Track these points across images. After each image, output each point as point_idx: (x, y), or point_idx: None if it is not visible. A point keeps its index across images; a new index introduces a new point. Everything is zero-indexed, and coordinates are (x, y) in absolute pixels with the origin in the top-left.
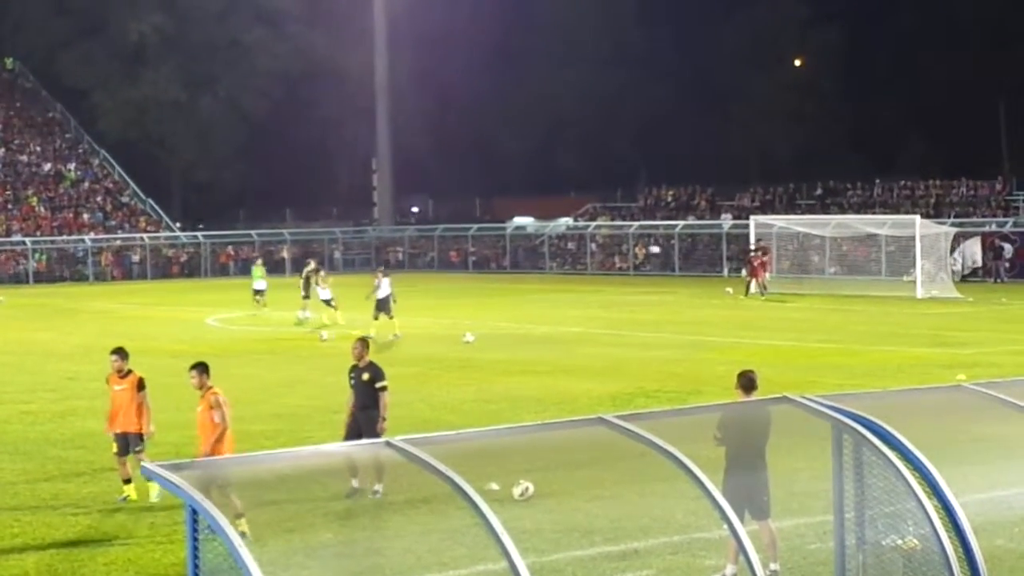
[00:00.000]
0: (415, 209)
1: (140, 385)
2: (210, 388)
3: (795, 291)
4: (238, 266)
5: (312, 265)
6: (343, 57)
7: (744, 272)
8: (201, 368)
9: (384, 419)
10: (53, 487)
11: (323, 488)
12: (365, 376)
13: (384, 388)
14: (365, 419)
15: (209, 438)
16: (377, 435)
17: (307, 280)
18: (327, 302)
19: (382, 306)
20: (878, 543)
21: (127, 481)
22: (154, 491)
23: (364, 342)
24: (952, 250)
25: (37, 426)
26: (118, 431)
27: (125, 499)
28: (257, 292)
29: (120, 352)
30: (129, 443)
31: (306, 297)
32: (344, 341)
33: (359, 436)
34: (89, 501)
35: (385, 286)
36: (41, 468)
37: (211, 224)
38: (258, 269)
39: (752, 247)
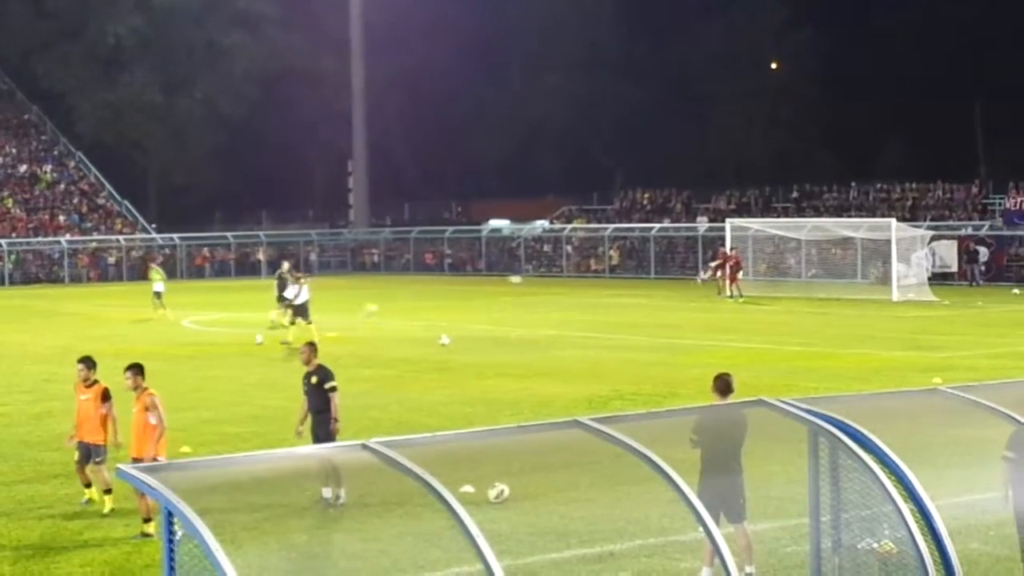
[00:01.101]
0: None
1: (105, 396)
2: (145, 389)
3: (771, 294)
4: (214, 268)
5: (286, 267)
6: (320, 59)
7: (714, 268)
8: (136, 369)
9: (336, 420)
10: (29, 489)
11: (299, 491)
12: (314, 379)
13: (333, 389)
14: (318, 422)
15: (145, 439)
16: (331, 437)
17: (282, 282)
18: (283, 300)
19: (299, 311)
20: (854, 546)
21: (87, 485)
22: (108, 505)
23: (312, 346)
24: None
25: (13, 428)
26: (80, 440)
27: (87, 502)
28: (157, 295)
29: (86, 361)
30: (90, 453)
31: (280, 299)
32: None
33: (319, 441)
34: (65, 503)
35: (304, 292)
36: (17, 470)
37: (187, 226)
38: (156, 272)
39: (727, 248)
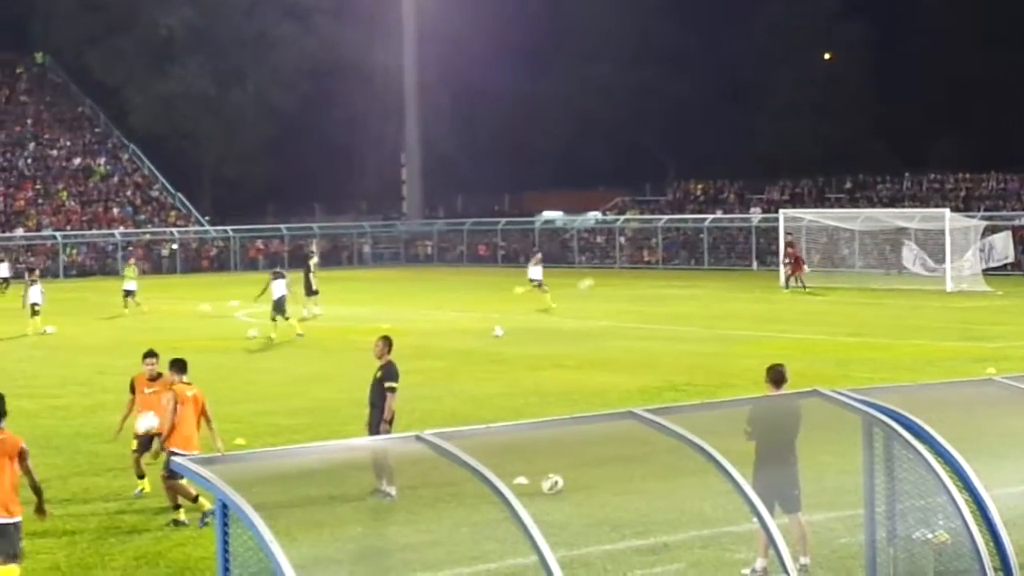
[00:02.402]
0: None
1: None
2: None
3: (824, 284)
4: (267, 260)
5: (315, 259)
6: (371, 52)
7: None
8: (171, 363)
9: (387, 421)
10: (83, 481)
11: (353, 482)
12: (379, 374)
13: (391, 389)
14: (373, 416)
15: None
16: (379, 434)
17: (307, 276)
18: (278, 302)
19: (277, 307)
20: (909, 537)
21: (141, 476)
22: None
23: (386, 340)
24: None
25: (68, 420)
26: (143, 435)
27: (141, 492)
28: (127, 293)
29: (153, 355)
30: (152, 445)
31: (308, 293)
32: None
33: (373, 434)
34: (119, 495)
35: (280, 287)
36: (71, 462)
37: (240, 218)
38: (130, 269)
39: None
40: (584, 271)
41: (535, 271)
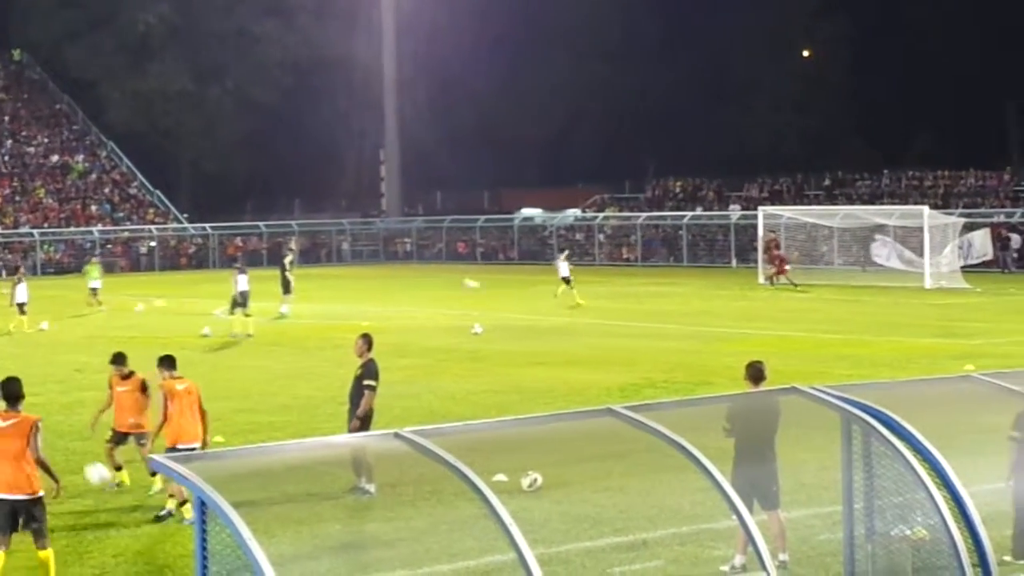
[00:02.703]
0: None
1: (143, 387)
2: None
3: (803, 281)
4: (246, 257)
5: (291, 257)
6: (351, 48)
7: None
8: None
9: (359, 417)
10: (62, 479)
11: (332, 479)
12: (359, 372)
13: (370, 387)
14: (350, 414)
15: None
16: (363, 428)
17: (284, 273)
18: (243, 295)
19: (238, 302)
20: (887, 533)
21: (118, 468)
22: (156, 486)
23: (366, 338)
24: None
25: (45, 418)
26: (119, 431)
27: (117, 484)
28: (92, 291)
29: (118, 359)
30: (128, 440)
31: (285, 291)
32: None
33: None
34: (97, 492)
35: (243, 282)
36: (49, 459)
37: (219, 216)
38: (93, 268)
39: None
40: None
41: (564, 267)
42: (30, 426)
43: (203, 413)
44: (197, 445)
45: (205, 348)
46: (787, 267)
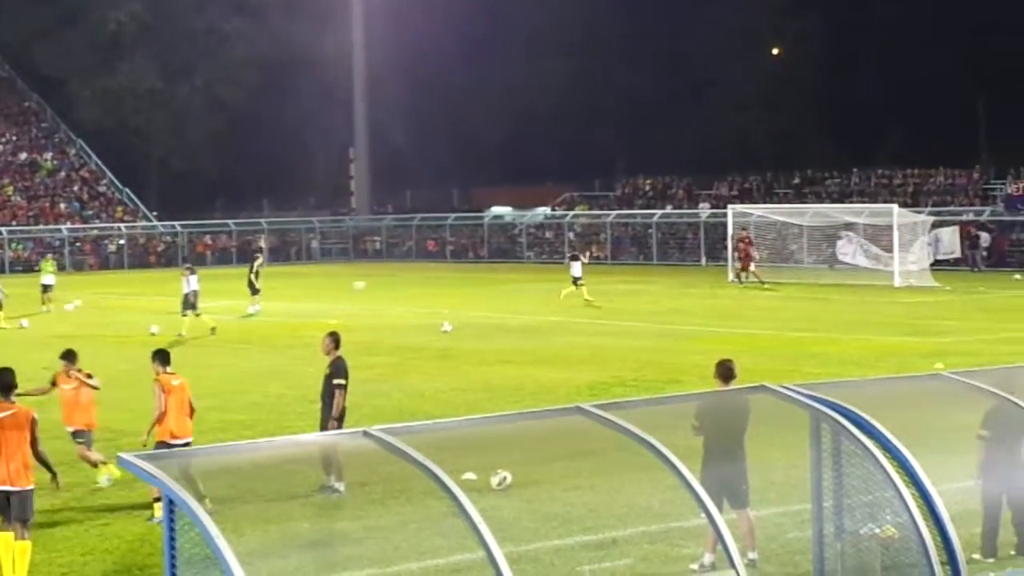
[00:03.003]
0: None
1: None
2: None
3: (773, 280)
4: (215, 256)
5: (260, 259)
6: (321, 47)
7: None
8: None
9: (335, 418)
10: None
11: (301, 478)
12: (328, 371)
13: (340, 386)
14: (324, 413)
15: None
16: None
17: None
18: (193, 295)
19: (187, 303)
20: (856, 532)
21: (95, 465)
22: (102, 475)
23: (332, 336)
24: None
25: None
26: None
27: (109, 479)
28: (45, 287)
29: (69, 355)
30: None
31: (253, 290)
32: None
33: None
34: (65, 492)
35: (192, 283)
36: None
37: (188, 213)
38: (48, 264)
39: (741, 233)
40: (532, 267)
41: (576, 268)
42: (30, 419)
43: (192, 410)
44: (190, 440)
45: (174, 345)
46: (751, 264)
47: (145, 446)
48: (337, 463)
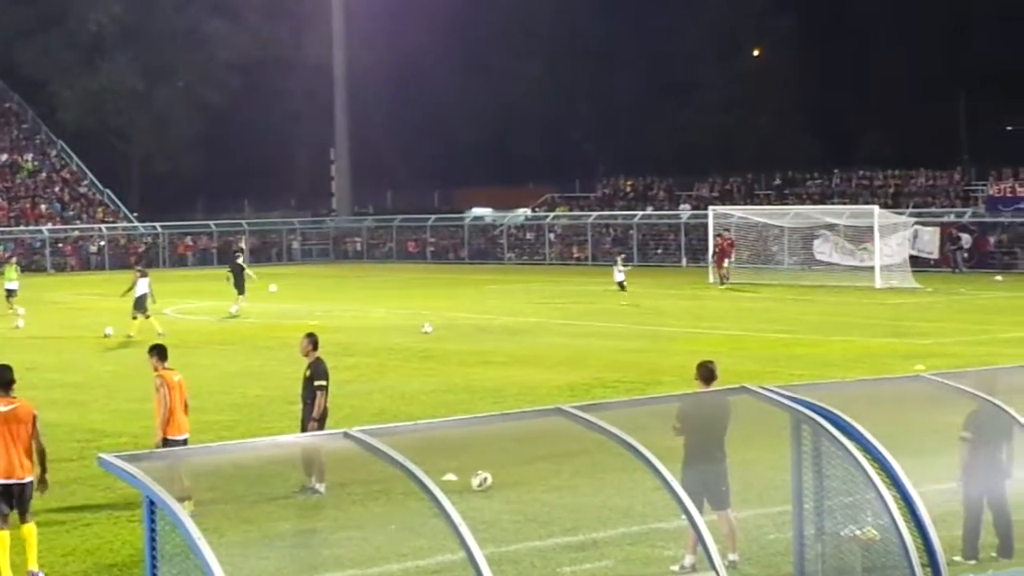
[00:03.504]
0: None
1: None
2: (156, 370)
3: (754, 281)
4: (196, 257)
5: (242, 257)
6: (301, 48)
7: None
8: (152, 351)
9: (315, 419)
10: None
11: (281, 479)
12: (308, 372)
13: (321, 388)
14: (305, 414)
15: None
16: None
17: (237, 271)
18: (139, 300)
19: (138, 305)
20: (837, 533)
21: None
22: None
23: (310, 338)
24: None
25: None
26: None
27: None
28: (9, 292)
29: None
30: None
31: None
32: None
33: (305, 431)
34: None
35: (143, 285)
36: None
37: (169, 214)
38: (11, 269)
39: (722, 232)
40: (513, 268)
41: (619, 274)
42: (32, 414)
43: (187, 406)
44: (187, 437)
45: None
46: (724, 261)
47: (158, 447)
48: (318, 464)
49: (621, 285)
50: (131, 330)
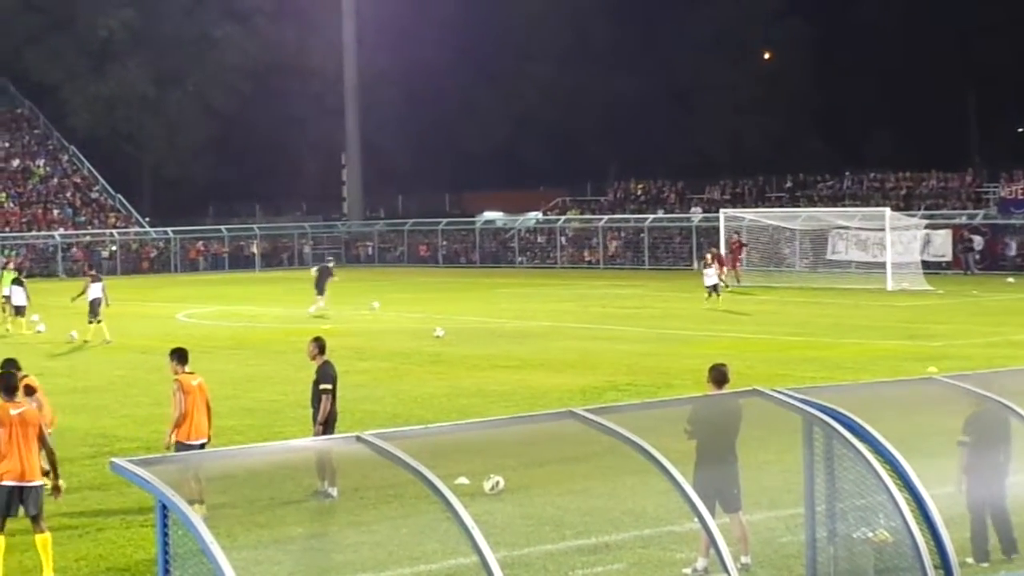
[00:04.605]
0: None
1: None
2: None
3: (765, 284)
4: (208, 261)
5: (332, 264)
6: (311, 53)
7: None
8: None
9: (320, 423)
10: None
11: (294, 483)
12: (315, 376)
13: (325, 391)
14: (313, 418)
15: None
16: (325, 432)
17: (322, 274)
18: (92, 304)
19: (92, 310)
20: (849, 536)
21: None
22: None
23: (317, 342)
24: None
25: None
26: None
27: None
28: (7, 299)
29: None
30: None
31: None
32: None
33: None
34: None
35: (96, 290)
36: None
37: (180, 219)
38: (8, 275)
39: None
40: (524, 271)
41: (710, 275)
42: (37, 419)
43: (209, 409)
44: (206, 441)
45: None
46: (737, 264)
47: (168, 448)
48: (330, 468)
49: (714, 289)
50: (87, 335)
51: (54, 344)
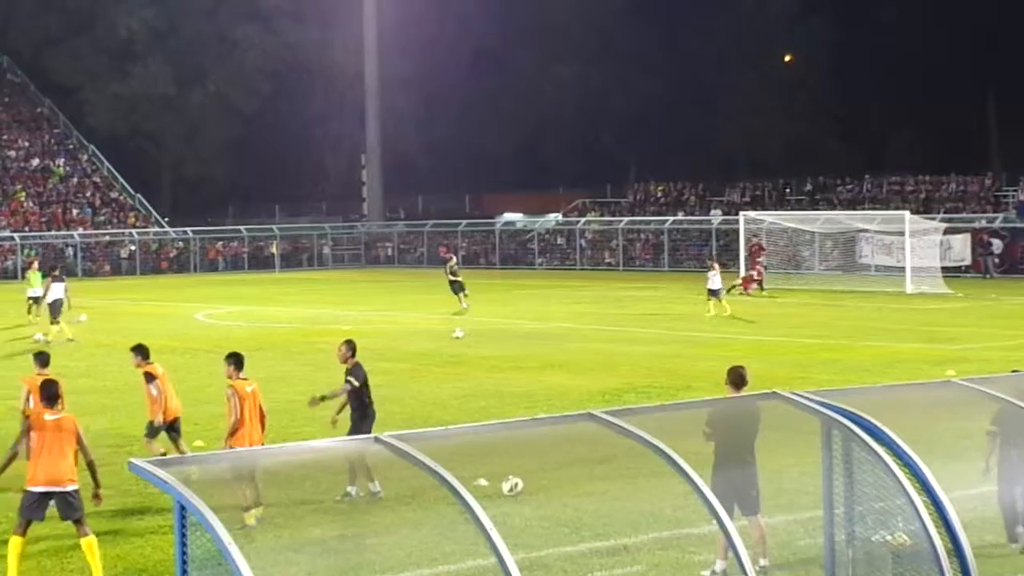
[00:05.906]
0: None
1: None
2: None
3: (785, 286)
4: (227, 262)
5: (454, 260)
6: (332, 54)
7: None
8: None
9: (319, 396)
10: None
11: (313, 484)
12: (344, 378)
13: (347, 381)
14: (352, 422)
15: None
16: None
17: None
18: (53, 304)
19: (53, 309)
20: (868, 539)
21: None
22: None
23: (349, 344)
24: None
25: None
26: None
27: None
28: (33, 299)
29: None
30: None
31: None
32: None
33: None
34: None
35: (57, 291)
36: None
37: (200, 219)
38: (34, 275)
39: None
40: (543, 273)
41: (714, 279)
42: (74, 425)
43: (263, 415)
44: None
45: (187, 352)
46: (756, 268)
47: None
48: (364, 466)
49: (714, 293)
50: (49, 335)
51: (76, 345)
